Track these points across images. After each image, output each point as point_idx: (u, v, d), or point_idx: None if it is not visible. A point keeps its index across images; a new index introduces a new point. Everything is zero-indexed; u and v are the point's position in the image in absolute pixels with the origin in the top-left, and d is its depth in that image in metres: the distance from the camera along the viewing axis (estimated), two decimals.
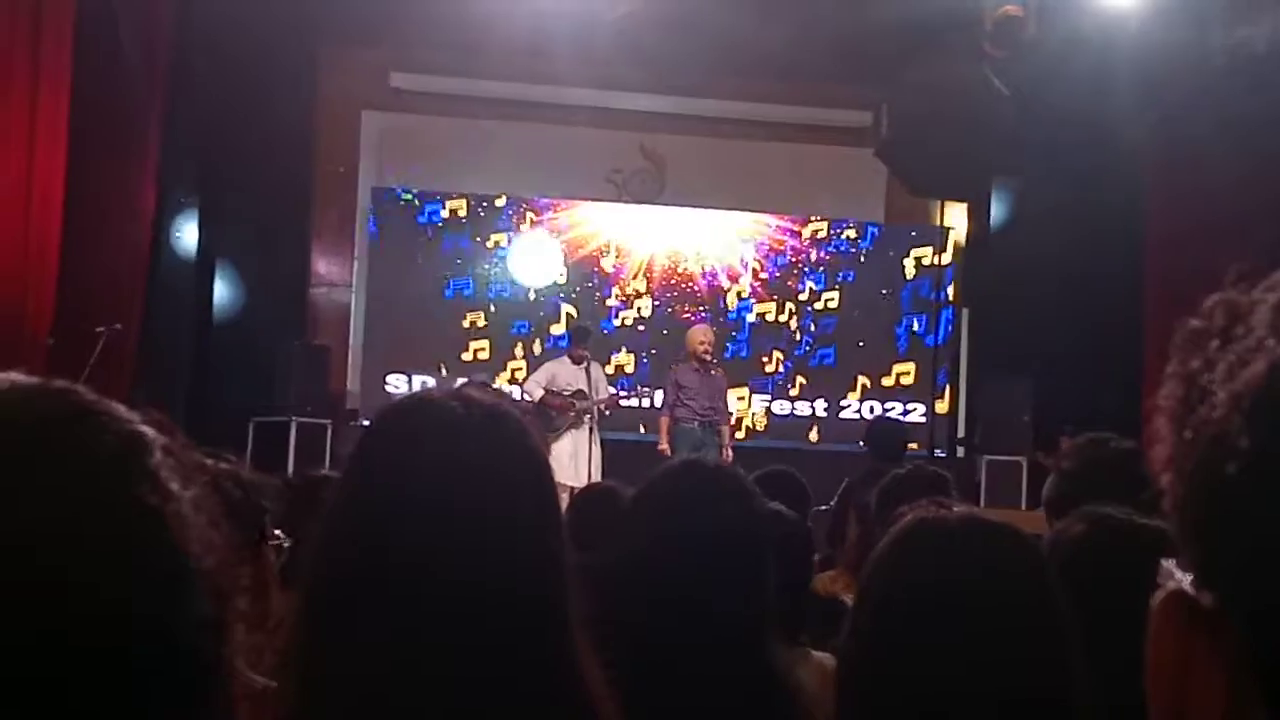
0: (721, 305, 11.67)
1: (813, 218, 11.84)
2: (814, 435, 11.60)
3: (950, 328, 11.68)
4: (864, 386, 11.70)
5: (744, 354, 11.62)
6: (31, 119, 8.62)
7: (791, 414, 11.68)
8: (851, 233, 11.88)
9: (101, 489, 0.68)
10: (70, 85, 8.80)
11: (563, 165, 11.62)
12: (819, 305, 11.78)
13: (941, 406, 11.54)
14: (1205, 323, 0.63)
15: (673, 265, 11.69)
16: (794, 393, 11.69)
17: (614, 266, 11.63)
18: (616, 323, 11.56)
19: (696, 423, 9.66)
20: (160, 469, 0.71)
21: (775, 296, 11.75)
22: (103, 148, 9.17)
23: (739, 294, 11.73)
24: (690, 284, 11.70)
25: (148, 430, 0.72)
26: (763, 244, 11.79)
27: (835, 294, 11.80)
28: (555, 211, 11.62)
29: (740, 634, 2.04)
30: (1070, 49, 9.09)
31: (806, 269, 11.80)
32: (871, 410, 11.56)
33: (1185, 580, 0.61)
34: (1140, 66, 8.78)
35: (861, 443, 8.12)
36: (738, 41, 10.59)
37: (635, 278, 11.65)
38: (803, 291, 11.77)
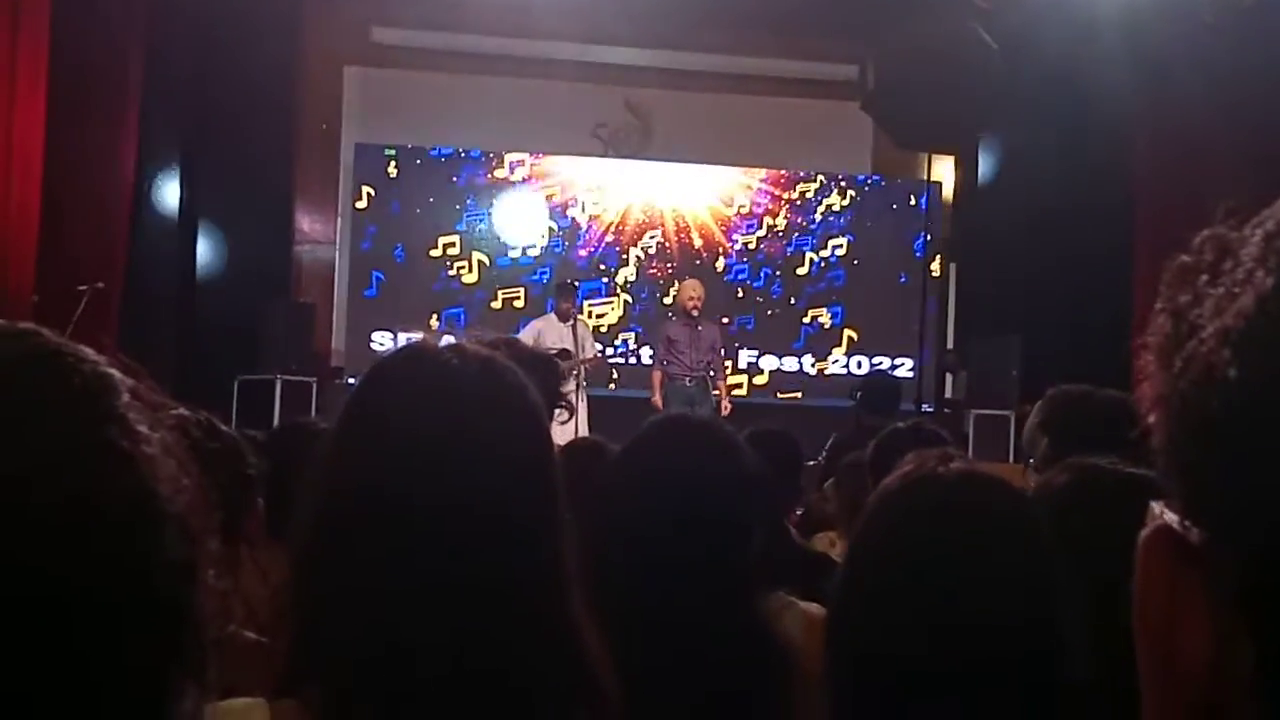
0: (706, 261, 11.65)
1: (800, 174, 11.81)
2: (802, 391, 11.63)
3: (936, 282, 11.67)
4: (850, 341, 11.72)
5: (732, 310, 11.63)
6: (10, 77, 8.54)
7: (779, 369, 11.70)
8: (838, 195, 11.84)
9: (69, 431, 0.67)
10: (49, 42, 8.71)
11: (548, 121, 11.56)
12: (805, 260, 11.77)
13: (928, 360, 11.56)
14: (1194, 258, 0.62)
15: (654, 219, 11.65)
16: (780, 348, 11.71)
17: (598, 221, 11.60)
18: (603, 278, 11.54)
19: (688, 378, 9.68)
20: (128, 411, 0.70)
21: (759, 253, 11.73)
22: (83, 105, 9.09)
23: (725, 250, 11.71)
24: (674, 239, 11.67)
25: (115, 372, 0.71)
26: (750, 201, 11.77)
27: (822, 249, 11.79)
28: (540, 167, 11.57)
29: (727, 586, 2.04)
30: (1058, 2, 9.05)
31: (793, 226, 11.78)
32: (859, 365, 11.59)
33: (1173, 519, 0.60)
34: (1128, 19, 8.75)
35: (855, 394, 8.10)
36: None
37: (620, 232, 11.62)
38: (790, 246, 11.76)
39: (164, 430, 0.71)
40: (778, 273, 11.74)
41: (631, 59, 11.55)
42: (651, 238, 11.64)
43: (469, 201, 11.45)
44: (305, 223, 11.53)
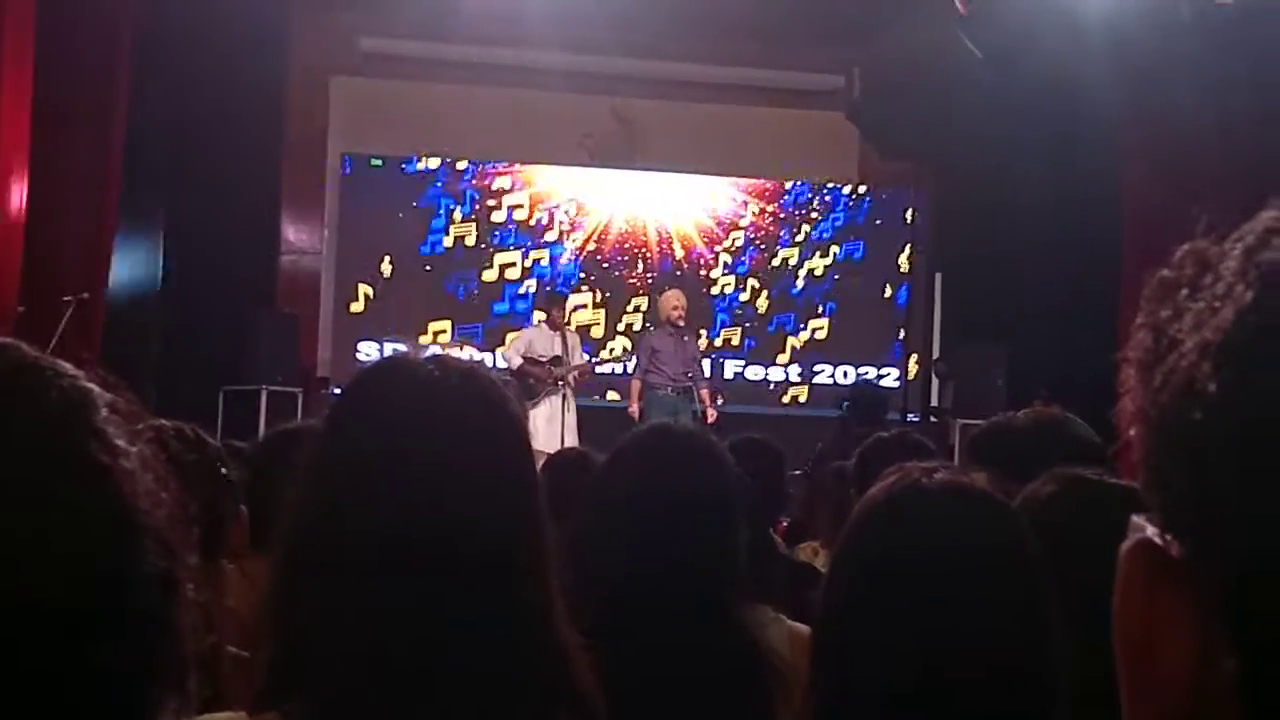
0: (690, 271, 11.64)
1: (785, 183, 11.82)
2: (787, 400, 11.63)
3: (922, 292, 11.69)
4: (837, 351, 11.73)
5: (717, 320, 11.63)
6: None
7: (765, 379, 11.70)
8: (822, 203, 11.86)
9: (46, 445, 0.67)
10: (34, 51, 8.68)
11: (534, 130, 11.55)
12: (789, 271, 11.78)
13: (911, 371, 11.60)
14: (1175, 273, 0.62)
15: (638, 230, 11.64)
16: (767, 358, 11.71)
17: (580, 231, 11.60)
18: (583, 284, 11.54)
19: (670, 388, 9.66)
20: (107, 425, 0.69)
21: (745, 262, 11.75)
22: (68, 114, 9.06)
23: (709, 261, 11.72)
24: (653, 249, 11.66)
25: (93, 386, 0.71)
26: (735, 212, 11.78)
27: (806, 259, 11.80)
28: (524, 176, 11.57)
29: (711, 597, 2.04)
30: (1042, 9, 9.08)
31: (778, 236, 11.79)
32: (845, 375, 11.60)
33: (1154, 532, 0.60)
34: (1112, 26, 8.78)
35: (843, 405, 8.10)
36: (710, 4, 10.54)
37: (602, 242, 11.61)
38: (775, 257, 11.77)
39: (142, 444, 0.71)
40: (763, 284, 11.74)
41: (618, 68, 11.56)
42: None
43: (456, 212, 11.42)
44: (291, 233, 11.51)
